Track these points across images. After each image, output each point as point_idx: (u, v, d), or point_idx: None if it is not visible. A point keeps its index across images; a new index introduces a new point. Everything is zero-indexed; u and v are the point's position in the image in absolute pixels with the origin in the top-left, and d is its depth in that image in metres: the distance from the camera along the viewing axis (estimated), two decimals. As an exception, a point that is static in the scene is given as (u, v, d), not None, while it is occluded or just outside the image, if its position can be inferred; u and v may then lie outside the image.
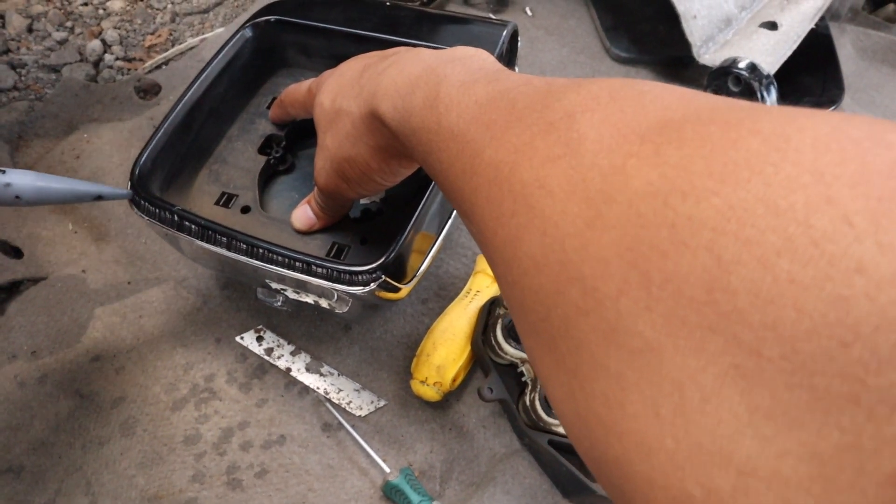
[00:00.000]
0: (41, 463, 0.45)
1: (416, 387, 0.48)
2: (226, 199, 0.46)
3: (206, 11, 0.75)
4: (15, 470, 0.45)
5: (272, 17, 0.51)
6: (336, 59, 0.48)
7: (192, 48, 0.71)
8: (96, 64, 0.71)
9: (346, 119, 0.35)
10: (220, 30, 0.72)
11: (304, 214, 0.43)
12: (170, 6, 0.76)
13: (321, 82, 0.40)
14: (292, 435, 0.47)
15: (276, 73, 0.53)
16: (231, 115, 0.50)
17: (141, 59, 0.71)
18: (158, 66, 0.70)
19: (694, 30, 0.66)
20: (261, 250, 0.39)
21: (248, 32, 0.51)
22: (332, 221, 0.43)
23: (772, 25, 0.67)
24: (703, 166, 0.15)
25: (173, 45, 0.72)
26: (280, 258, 0.39)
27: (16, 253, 0.56)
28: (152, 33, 0.73)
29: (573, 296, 0.17)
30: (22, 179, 0.35)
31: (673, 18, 0.66)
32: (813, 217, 0.13)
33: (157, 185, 0.45)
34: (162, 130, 0.45)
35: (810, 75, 0.68)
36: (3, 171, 0.35)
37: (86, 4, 0.76)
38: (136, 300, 0.52)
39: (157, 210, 0.41)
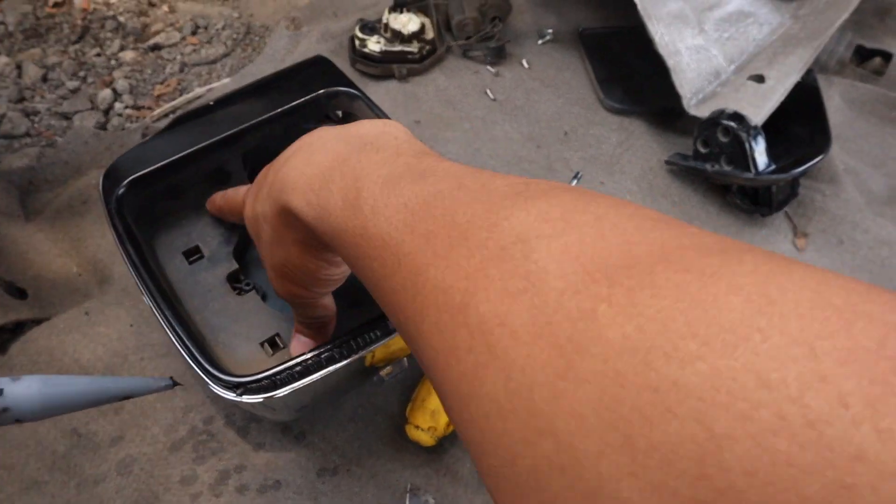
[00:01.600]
0: (34, 503, 0.45)
1: (411, 432, 0.48)
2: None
3: (213, 62, 0.78)
4: (9, 511, 0.45)
5: (124, 184, 0.48)
6: (212, 177, 0.50)
7: (199, 97, 0.73)
8: (106, 112, 0.73)
9: (263, 224, 0.33)
10: (227, 80, 0.75)
11: (297, 343, 0.41)
12: (179, 57, 0.79)
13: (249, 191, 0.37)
14: (287, 481, 0.47)
15: (155, 233, 0.49)
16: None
17: (150, 107, 0.73)
18: (166, 115, 0.72)
19: (683, 83, 0.68)
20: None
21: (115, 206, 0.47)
22: (327, 330, 0.41)
23: (759, 78, 0.69)
24: (684, 324, 0.15)
25: (181, 94, 0.75)
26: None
27: (20, 294, 0.57)
28: (161, 83, 0.76)
29: (545, 449, 0.16)
30: (24, 398, 0.27)
31: (664, 71, 0.69)
32: (807, 396, 0.12)
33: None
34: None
35: (800, 125, 0.70)
36: (0, 391, 0.27)
37: (99, 55, 0.79)
38: (139, 343, 0.52)
39: None
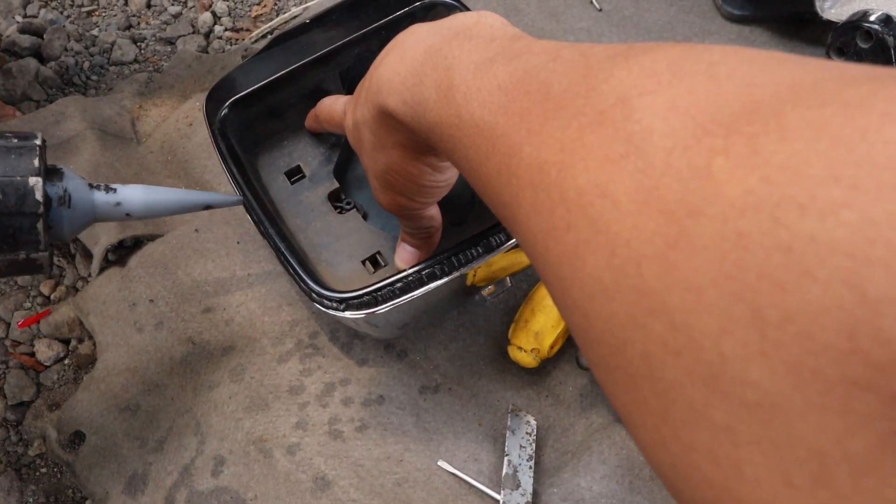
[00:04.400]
0: (155, 403, 0.48)
1: (514, 353, 0.47)
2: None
3: (308, -19, 0.77)
4: (132, 408, 0.49)
5: (226, 105, 0.47)
6: (310, 97, 0.48)
7: (295, 16, 0.73)
8: (207, 35, 0.74)
9: (365, 130, 0.32)
10: (323, -2, 0.73)
11: (404, 252, 0.40)
12: (275, -23, 0.78)
13: (348, 101, 0.37)
14: (390, 396, 0.47)
15: (258, 154, 0.50)
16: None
17: (248, 30, 0.73)
18: (264, 36, 0.72)
19: (819, -19, 0.61)
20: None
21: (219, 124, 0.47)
22: (433, 241, 0.41)
23: (912, -26, 0.60)
24: (823, 168, 0.12)
25: (278, 14, 0.74)
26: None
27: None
28: (258, 3, 0.75)
29: (657, 330, 0.14)
30: (132, 196, 0.34)
31: (795, -30, 0.61)
32: None
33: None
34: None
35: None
36: (114, 189, 0.34)
37: (198, -21, 0.79)
38: (245, 259, 0.54)
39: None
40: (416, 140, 0.30)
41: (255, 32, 0.72)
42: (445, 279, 0.38)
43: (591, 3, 0.70)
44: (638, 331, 0.15)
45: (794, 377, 0.12)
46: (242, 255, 0.54)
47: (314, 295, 0.39)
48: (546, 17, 0.69)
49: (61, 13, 0.77)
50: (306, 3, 0.74)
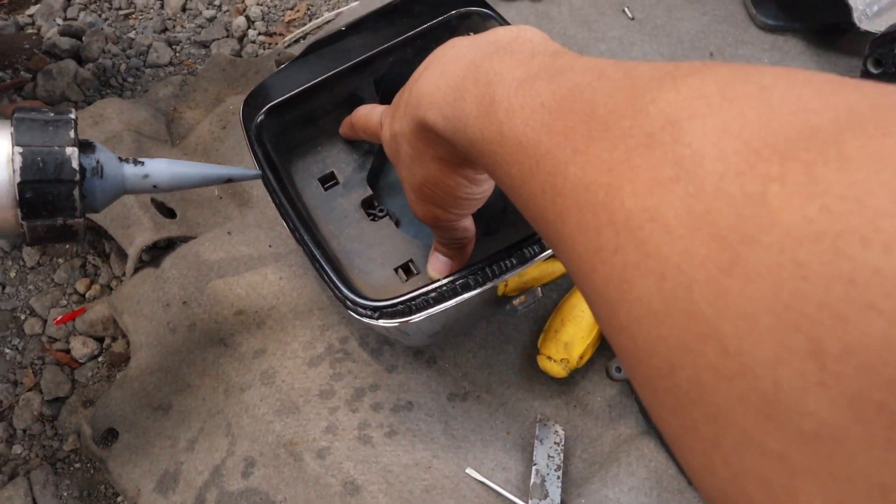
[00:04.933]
0: (187, 403, 0.49)
1: (543, 362, 0.47)
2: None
3: (341, -14, 0.77)
4: (164, 408, 0.49)
5: (263, 111, 0.48)
6: (345, 104, 0.48)
7: (328, 21, 0.73)
8: (240, 39, 0.75)
9: (402, 142, 0.32)
10: (355, 3, 0.74)
11: (437, 262, 0.41)
12: (307, -18, 0.78)
13: (385, 111, 0.37)
14: (419, 403, 0.48)
15: (292, 160, 0.51)
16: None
17: (281, 34, 0.74)
18: (297, 41, 0.73)
19: (857, -8, 0.60)
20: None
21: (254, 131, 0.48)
22: (466, 252, 0.41)
23: (953, -14, 0.60)
24: (888, 199, 0.12)
25: (311, 20, 0.75)
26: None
27: (170, 213, 0.60)
28: (291, 8, 0.76)
29: (708, 356, 0.14)
30: (158, 169, 0.36)
31: (832, -20, 0.61)
32: None
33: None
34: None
35: None
36: (142, 163, 0.36)
37: (232, -17, 0.80)
38: (277, 263, 0.55)
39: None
40: (455, 153, 0.30)
41: (289, 37, 0.73)
42: (479, 289, 0.39)
43: (623, 11, 0.70)
44: (688, 355, 0.15)
45: (855, 410, 0.12)
46: (274, 259, 0.55)
47: (348, 303, 0.39)
48: (578, 25, 0.69)
49: (99, 16, 0.78)
50: (339, 8, 0.75)
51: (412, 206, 0.36)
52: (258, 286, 0.53)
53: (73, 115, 0.33)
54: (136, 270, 0.57)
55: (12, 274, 0.63)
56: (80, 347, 0.57)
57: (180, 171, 0.37)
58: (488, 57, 0.26)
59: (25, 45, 0.74)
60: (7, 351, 0.59)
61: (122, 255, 0.62)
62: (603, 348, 0.49)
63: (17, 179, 0.31)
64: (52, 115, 0.33)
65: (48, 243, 0.37)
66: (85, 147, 0.34)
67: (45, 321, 0.60)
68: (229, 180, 0.39)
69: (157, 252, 0.59)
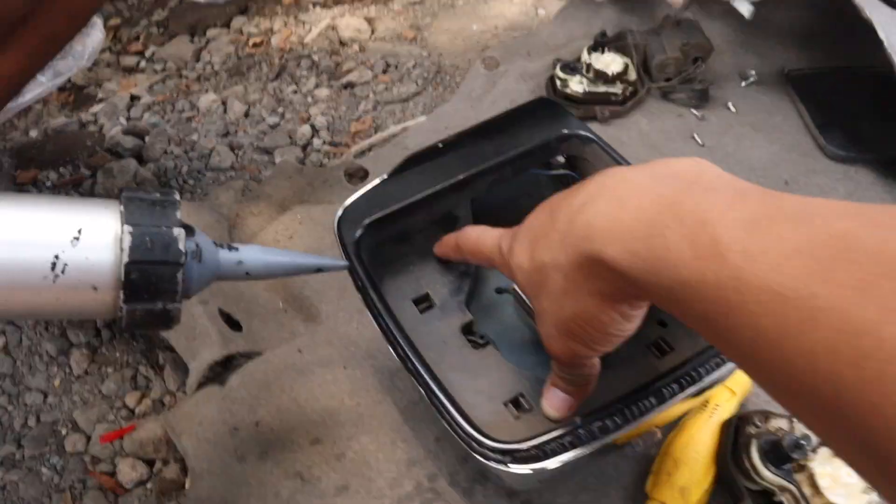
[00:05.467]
0: (255, 547, 0.44)
1: (655, 509, 0.43)
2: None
3: (405, 100, 0.78)
4: (233, 554, 0.44)
5: (362, 226, 0.46)
6: (439, 222, 0.48)
7: (394, 135, 0.73)
8: (304, 147, 0.75)
9: (554, 274, 0.31)
10: (422, 118, 0.74)
11: (555, 398, 0.37)
12: (372, 94, 0.79)
13: (512, 240, 0.35)
14: (514, 548, 0.43)
15: (383, 278, 0.48)
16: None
17: (346, 144, 0.74)
18: (363, 152, 0.73)
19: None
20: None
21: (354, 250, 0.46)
22: (587, 391, 0.37)
23: None
24: None
25: (376, 132, 0.75)
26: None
27: (237, 326, 0.57)
28: (356, 119, 0.77)
29: None
30: (252, 256, 0.35)
31: (894, 114, 0.62)
32: None
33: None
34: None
35: None
36: (237, 248, 0.35)
37: (295, 92, 0.81)
38: (353, 387, 0.51)
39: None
40: (621, 289, 0.28)
41: (355, 147, 0.73)
42: (619, 432, 0.35)
43: (693, 137, 0.70)
44: None
45: None
46: (350, 381, 0.52)
47: (475, 444, 0.35)
48: (648, 149, 0.69)
49: (162, 117, 0.78)
50: (405, 122, 0.75)
51: (549, 340, 0.34)
52: (335, 412, 0.49)
53: (177, 197, 0.32)
54: (200, 387, 0.53)
55: (56, 382, 0.59)
56: (128, 471, 0.52)
57: (273, 259, 0.36)
58: (684, 193, 0.25)
59: (88, 142, 0.74)
60: (44, 471, 0.54)
61: (179, 368, 0.58)
62: (717, 493, 0.45)
63: (125, 259, 0.29)
64: (158, 195, 0.32)
65: (143, 329, 0.36)
66: (186, 230, 0.33)
67: (88, 438, 0.55)
68: (319, 270, 0.38)
69: (217, 369, 0.55)
